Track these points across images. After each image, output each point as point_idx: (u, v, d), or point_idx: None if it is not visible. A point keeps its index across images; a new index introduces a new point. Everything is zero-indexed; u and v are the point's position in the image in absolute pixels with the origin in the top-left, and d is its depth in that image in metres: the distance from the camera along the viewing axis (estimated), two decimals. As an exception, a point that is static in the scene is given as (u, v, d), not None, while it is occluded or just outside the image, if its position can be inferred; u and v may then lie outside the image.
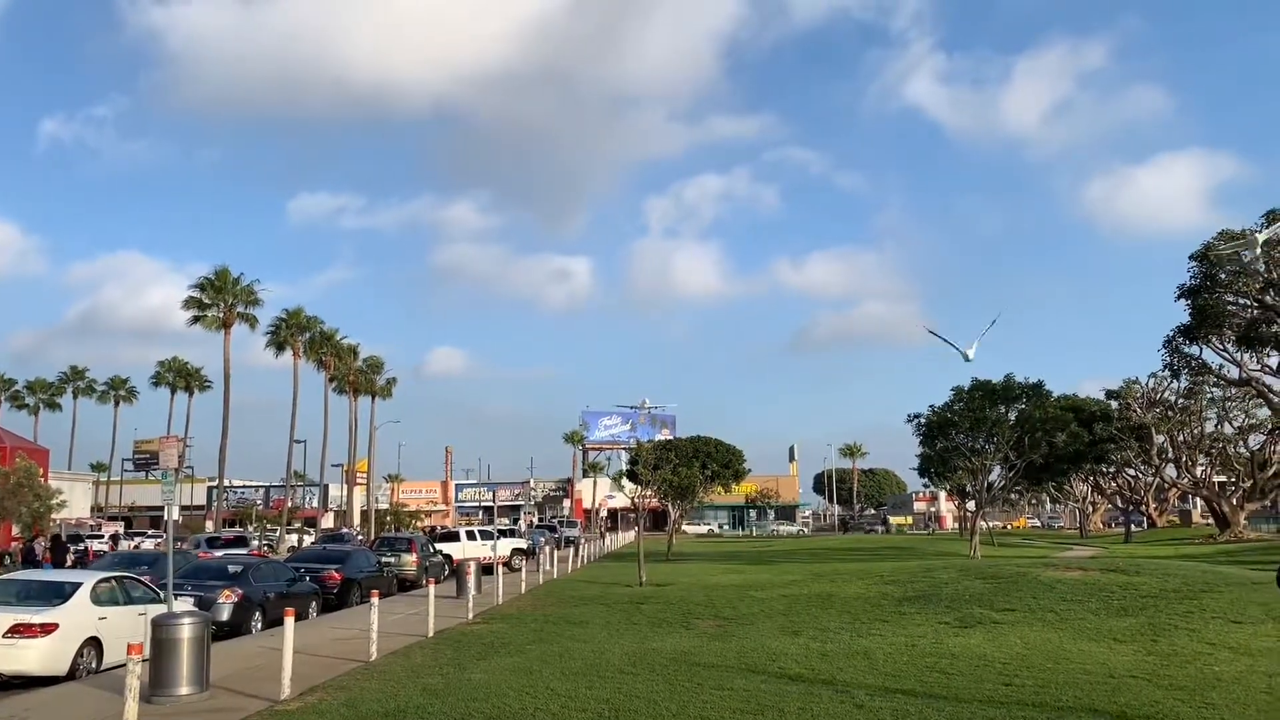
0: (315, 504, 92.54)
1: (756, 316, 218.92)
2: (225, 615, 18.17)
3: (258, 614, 19.26)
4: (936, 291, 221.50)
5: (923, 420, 41.84)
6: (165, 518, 19.05)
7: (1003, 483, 41.58)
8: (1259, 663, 12.59)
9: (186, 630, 11.23)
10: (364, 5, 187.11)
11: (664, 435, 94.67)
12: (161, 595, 15.90)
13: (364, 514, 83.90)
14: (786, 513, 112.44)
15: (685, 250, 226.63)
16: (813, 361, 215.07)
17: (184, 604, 15.22)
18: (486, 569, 29.42)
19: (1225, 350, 34.73)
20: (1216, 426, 61.78)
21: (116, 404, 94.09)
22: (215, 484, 69.75)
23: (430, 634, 16.90)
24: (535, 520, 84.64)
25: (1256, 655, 13.10)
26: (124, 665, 9.62)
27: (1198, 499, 71.71)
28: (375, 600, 15.06)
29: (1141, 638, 14.65)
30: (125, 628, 14.40)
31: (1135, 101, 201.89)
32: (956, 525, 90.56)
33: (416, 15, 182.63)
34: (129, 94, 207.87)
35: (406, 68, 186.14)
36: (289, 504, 74.39)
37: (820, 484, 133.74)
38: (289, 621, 11.87)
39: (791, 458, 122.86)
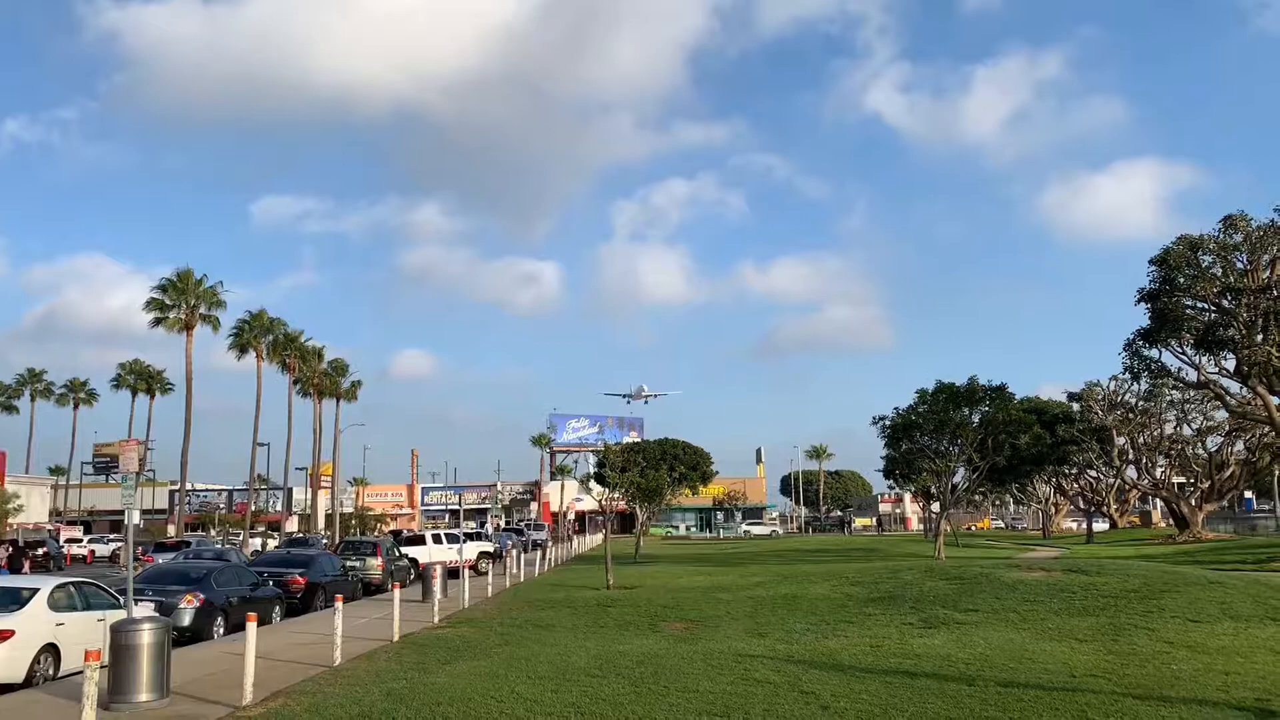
0: (279, 508, 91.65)
1: (723, 320, 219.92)
2: (187, 620, 17.96)
3: (220, 619, 19.06)
4: (900, 296, 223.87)
5: (887, 423, 42.10)
6: (125, 522, 18.78)
7: (967, 484, 41.94)
8: (1216, 661, 12.79)
9: (146, 636, 11.08)
10: (329, 9, 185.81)
11: (632, 438, 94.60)
12: (121, 601, 15.67)
13: (329, 518, 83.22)
14: (754, 514, 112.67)
15: (652, 254, 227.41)
16: (779, 364, 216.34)
17: (144, 609, 15.06)
18: (453, 573, 29.26)
19: (1184, 353, 35.18)
20: (1176, 428, 62.69)
21: (76, 407, 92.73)
22: (177, 488, 68.88)
23: (395, 638, 16.79)
24: (502, 523, 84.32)
25: (1213, 654, 13.30)
26: (82, 672, 9.47)
27: (1158, 500, 72.70)
28: (339, 605, 14.94)
29: (1102, 637, 14.83)
30: (84, 634, 14.18)
31: (1092, 110, 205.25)
32: (921, 526, 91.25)
33: (382, 19, 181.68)
34: (93, 97, 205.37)
35: (372, 71, 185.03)
36: (252, 508, 73.59)
37: (787, 486, 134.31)
38: (251, 626, 11.73)
39: (759, 460, 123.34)
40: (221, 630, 18.88)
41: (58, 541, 57.46)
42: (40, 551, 50.26)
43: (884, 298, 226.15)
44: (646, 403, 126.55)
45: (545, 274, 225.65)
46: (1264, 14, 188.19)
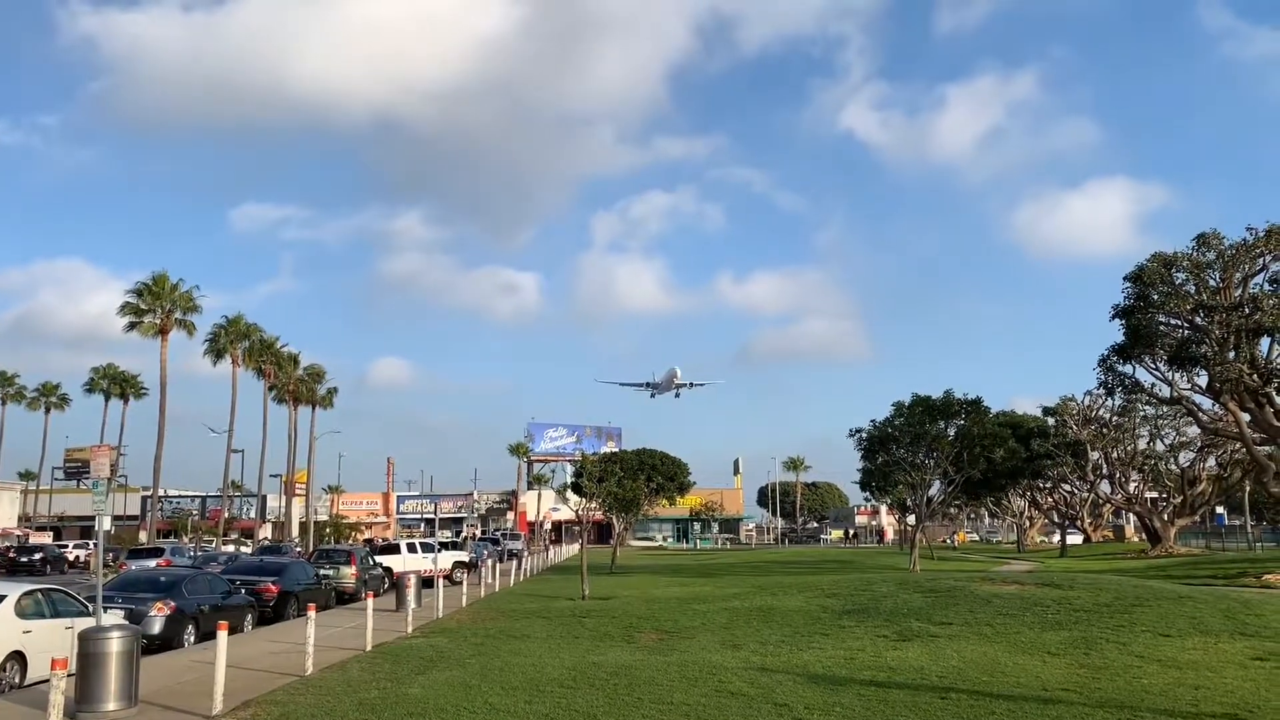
0: (253, 515, 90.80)
1: (701, 331, 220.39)
2: (157, 628, 17.77)
3: (191, 627, 18.88)
4: (876, 308, 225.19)
5: (864, 435, 42.26)
6: (96, 528, 18.59)
7: (942, 497, 42.13)
8: (1185, 675, 12.88)
9: (115, 644, 10.94)
10: (310, 18, 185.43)
11: (610, 447, 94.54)
12: (91, 608, 15.49)
13: (303, 525, 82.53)
14: (730, 526, 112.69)
15: (631, 265, 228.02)
16: (756, 376, 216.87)
17: (114, 617, 14.89)
18: (427, 582, 29.12)
19: (1157, 369, 35.51)
20: (1149, 444, 63.24)
21: (47, 411, 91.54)
22: (149, 493, 68.18)
23: (368, 648, 16.67)
24: (478, 533, 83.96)
25: (1184, 668, 13.40)
26: (49, 680, 9.36)
27: (1131, 514, 73.29)
28: (312, 613, 14.81)
29: (1074, 651, 14.91)
30: (51, 641, 14.01)
31: (1065, 130, 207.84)
32: (896, 538, 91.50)
33: (365, 28, 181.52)
34: (72, 102, 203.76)
35: (354, 80, 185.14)
36: (226, 514, 73.00)
37: (764, 497, 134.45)
38: (222, 635, 11.62)
39: (736, 471, 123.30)
40: (192, 638, 18.70)
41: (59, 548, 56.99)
42: (37, 556, 49.95)
43: (861, 310, 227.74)
44: (678, 395, 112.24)
45: (525, 283, 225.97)
46: (1229, 41, 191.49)
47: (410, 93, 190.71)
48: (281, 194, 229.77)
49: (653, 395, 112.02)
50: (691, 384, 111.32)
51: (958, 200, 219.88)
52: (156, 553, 42.92)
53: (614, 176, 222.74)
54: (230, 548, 59.40)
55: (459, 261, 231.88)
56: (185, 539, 73.96)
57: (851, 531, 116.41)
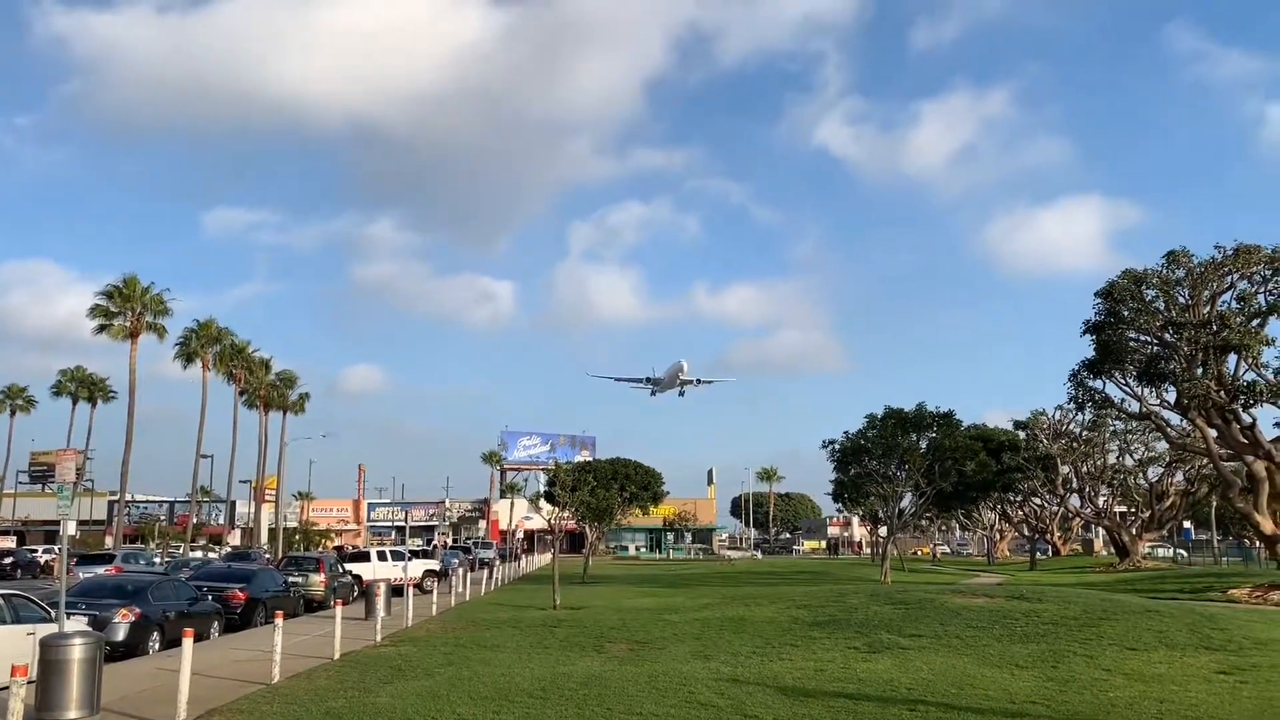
0: (222, 521, 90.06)
1: (675, 341, 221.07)
2: (121, 635, 17.55)
3: (156, 634, 18.66)
4: (850, 322, 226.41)
5: (837, 446, 42.44)
6: (61, 533, 18.33)
7: (914, 509, 42.35)
8: (1151, 689, 12.98)
9: (77, 651, 10.78)
10: (288, 21, 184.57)
11: (584, 456, 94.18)
12: (53, 614, 15.26)
13: (272, 532, 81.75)
14: (704, 536, 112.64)
15: (607, 275, 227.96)
16: (731, 386, 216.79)
17: (77, 623, 14.69)
18: (397, 590, 28.92)
19: (1127, 385, 35.85)
20: (1118, 458, 63.78)
21: (13, 414, 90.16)
22: (116, 498, 67.41)
23: (336, 656, 16.53)
24: (449, 541, 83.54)
25: (1149, 681, 13.50)
26: (8, 687, 9.21)
27: (1100, 528, 73.89)
28: (280, 621, 14.68)
29: (1042, 664, 15.00)
30: (11, 648, 13.75)
31: (1037, 147, 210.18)
32: (868, 550, 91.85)
33: (343, 33, 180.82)
34: (44, 102, 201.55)
35: (331, 85, 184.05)
36: (194, 520, 72.24)
37: (738, 507, 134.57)
38: (187, 642, 11.47)
39: (710, 481, 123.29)
40: (157, 645, 18.48)
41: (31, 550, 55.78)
42: (7, 561, 48.91)
43: (835, 322, 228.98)
44: (683, 393, 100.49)
45: (500, 291, 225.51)
46: (1200, 62, 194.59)
47: (387, 98, 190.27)
48: (255, 198, 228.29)
49: (654, 393, 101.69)
50: (699, 380, 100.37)
51: (931, 215, 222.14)
52: (106, 559, 40.10)
53: (591, 186, 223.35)
54: (199, 554, 58.75)
55: (434, 268, 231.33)
56: (152, 544, 73.14)
57: (828, 543, 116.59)
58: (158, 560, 46.41)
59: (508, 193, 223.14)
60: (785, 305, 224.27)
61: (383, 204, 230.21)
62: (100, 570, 33.31)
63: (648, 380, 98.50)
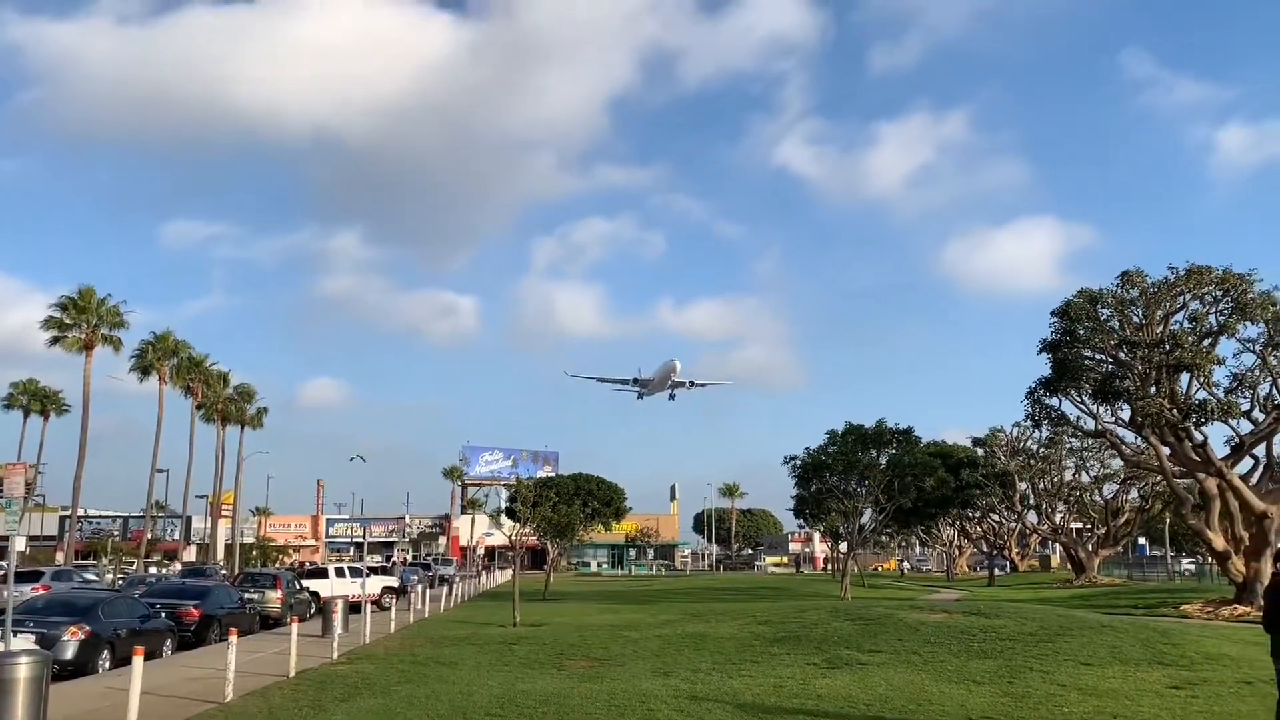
0: (177, 536, 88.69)
1: (638, 356, 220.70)
2: (70, 654, 17.19)
3: (106, 652, 18.29)
4: (812, 338, 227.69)
5: (798, 462, 42.63)
6: (9, 549, 17.98)
7: (874, 525, 42.60)
8: (1105, 704, 13.13)
9: (23, 670, 10.51)
10: (251, 34, 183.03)
11: (546, 471, 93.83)
12: (-1, 632, 14.93)
13: (229, 548, 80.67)
14: (666, 551, 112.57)
15: (571, 290, 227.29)
16: (694, 402, 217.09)
17: (23, 642, 14.39)
18: (355, 607, 28.59)
19: (1083, 403, 36.36)
20: (1074, 475, 64.61)
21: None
22: (69, 513, 66.17)
23: (292, 674, 16.31)
24: (409, 557, 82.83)
25: (1103, 696, 13.66)
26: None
27: (1057, 544, 74.75)
28: (234, 638, 14.46)
29: (999, 679, 15.12)
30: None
31: (994, 169, 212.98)
32: (829, 566, 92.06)
33: (305, 46, 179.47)
34: (3, 112, 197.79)
35: (292, 99, 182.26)
36: (149, 536, 71.07)
37: (700, 523, 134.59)
38: (138, 660, 11.29)
39: (673, 496, 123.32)
40: (108, 664, 18.12)
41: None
42: None
43: (797, 338, 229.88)
44: (673, 397, 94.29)
45: (463, 306, 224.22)
46: (1151, 90, 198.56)
47: (351, 112, 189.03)
48: (215, 211, 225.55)
49: (640, 396, 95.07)
50: (692, 383, 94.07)
51: (891, 234, 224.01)
52: (34, 576, 34.04)
53: (555, 202, 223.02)
54: (153, 569, 57.73)
55: (396, 283, 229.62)
56: (104, 561, 71.79)
57: (795, 558, 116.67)
58: (93, 577, 44.86)
59: (471, 208, 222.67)
60: (748, 321, 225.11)
61: (345, 218, 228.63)
62: (27, 589, 28.88)
63: (635, 381, 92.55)
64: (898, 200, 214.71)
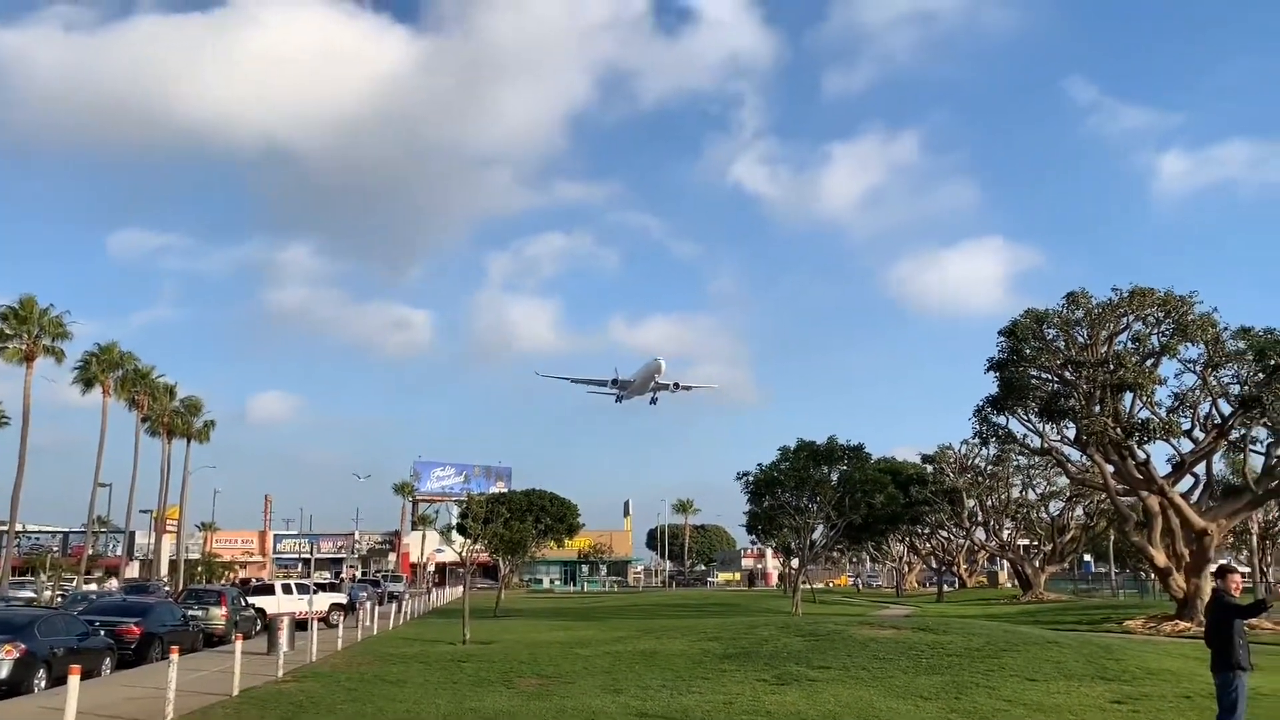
0: (119, 552, 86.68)
1: (592, 372, 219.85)
2: (4, 673, 16.74)
3: (42, 671, 17.80)
4: (765, 356, 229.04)
5: (751, 478, 42.79)
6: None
7: (825, 541, 42.84)
8: (1050, 719, 13.29)
9: (-47, 690, 10.26)
10: (202, 44, 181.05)
11: (499, 488, 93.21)
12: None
13: (173, 564, 79.02)
14: (619, 568, 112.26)
15: (525, 305, 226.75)
16: (648, 418, 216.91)
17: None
18: (301, 624, 28.15)
19: (1029, 421, 36.90)
20: (1022, 492, 65.52)
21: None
22: (5, 528, 64.48)
23: (235, 693, 16.00)
24: (358, 574, 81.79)
25: (1048, 712, 13.83)
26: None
27: (1004, 561, 75.69)
28: (175, 656, 14.16)
29: (946, 695, 15.25)
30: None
31: (943, 191, 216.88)
32: (782, 583, 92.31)
33: (258, 57, 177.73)
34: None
35: (244, 110, 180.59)
36: (90, 551, 69.45)
37: (654, 539, 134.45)
38: (74, 679, 10.98)
39: (626, 512, 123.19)
40: (44, 683, 17.64)
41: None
42: None
43: (751, 355, 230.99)
44: (654, 400, 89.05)
45: (416, 319, 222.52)
46: (1095, 115, 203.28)
47: (303, 124, 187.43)
48: (163, 221, 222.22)
49: (619, 399, 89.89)
50: (677, 385, 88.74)
51: (843, 253, 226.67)
52: None
53: (511, 217, 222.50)
54: (92, 586, 56.38)
55: (348, 295, 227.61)
56: (43, 577, 70.05)
57: (748, 575, 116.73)
58: (32, 594, 43.67)
59: (426, 221, 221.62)
60: (702, 338, 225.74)
61: (298, 229, 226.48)
62: None
63: (614, 383, 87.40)
64: (850, 219, 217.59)
